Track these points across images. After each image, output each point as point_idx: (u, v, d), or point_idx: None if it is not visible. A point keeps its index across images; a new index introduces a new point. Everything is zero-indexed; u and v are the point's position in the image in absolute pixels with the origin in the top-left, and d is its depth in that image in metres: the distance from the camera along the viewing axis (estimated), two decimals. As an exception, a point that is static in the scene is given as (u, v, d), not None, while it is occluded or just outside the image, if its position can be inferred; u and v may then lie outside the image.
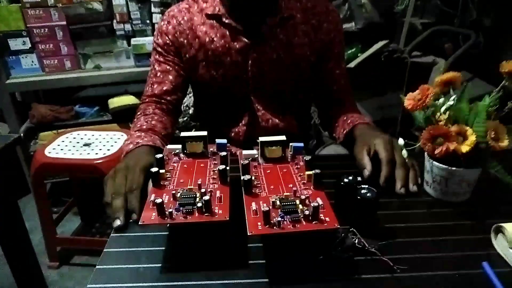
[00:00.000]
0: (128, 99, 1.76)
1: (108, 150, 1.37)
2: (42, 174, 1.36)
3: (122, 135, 1.48)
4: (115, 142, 1.43)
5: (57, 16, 1.70)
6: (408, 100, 0.60)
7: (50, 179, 1.79)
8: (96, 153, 1.35)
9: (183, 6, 0.91)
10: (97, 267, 0.50)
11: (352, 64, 1.76)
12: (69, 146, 1.41)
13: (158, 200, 0.48)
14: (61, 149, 1.38)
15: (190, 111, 1.75)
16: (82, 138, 1.47)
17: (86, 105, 1.84)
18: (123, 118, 1.76)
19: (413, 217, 0.60)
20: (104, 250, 0.53)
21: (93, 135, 1.49)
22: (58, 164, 1.32)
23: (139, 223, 0.48)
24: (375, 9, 1.99)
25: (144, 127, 0.81)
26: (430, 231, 0.57)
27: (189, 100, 1.71)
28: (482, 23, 1.98)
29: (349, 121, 0.86)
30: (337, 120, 0.91)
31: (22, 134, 1.72)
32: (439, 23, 1.98)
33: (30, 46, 1.72)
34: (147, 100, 0.91)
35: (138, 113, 0.89)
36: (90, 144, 1.42)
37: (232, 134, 0.97)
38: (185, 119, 1.70)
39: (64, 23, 1.71)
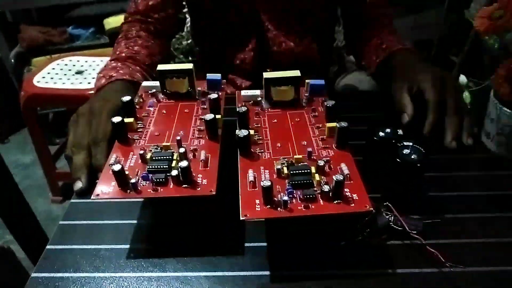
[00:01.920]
0: (125, 19, 1.56)
1: (102, 79, 1.22)
2: (32, 105, 1.24)
3: (118, 61, 1.32)
4: (110, 69, 1.27)
5: None
6: (481, 19, 0.41)
7: (43, 109, 1.68)
8: (89, 82, 1.20)
9: None
10: (47, 247, 0.38)
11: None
12: (60, 74, 1.26)
13: (117, 166, 0.34)
14: (51, 78, 1.24)
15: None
16: (74, 65, 1.31)
17: (81, 27, 1.65)
18: (121, 41, 1.58)
19: (467, 182, 0.45)
20: (60, 222, 0.41)
21: (86, 62, 1.33)
22: (48, 95, 1.19)
23: (92, 197, 0.35)
24: None
25: (123, 54, 0.65)
26: (492, 204, 0.42)
27: (193, 19, 1.49)
28: None
29: (384, 45, 0.67)
30: (368, 44, 0.72)
31: (12, 60, 1.57)
32: None
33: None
34: (130, 19, 0.73)
35: (120, 36, 0.72)
36: (83, 71, 1.27)
37: (237, 61, 0.79)
38: (189, 41, 1.50)
39: None
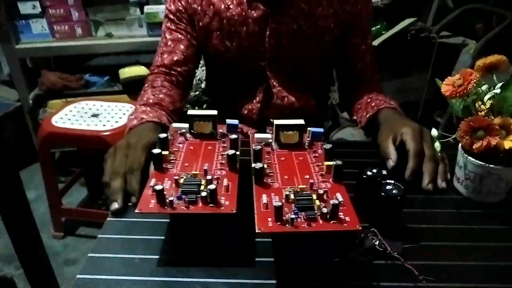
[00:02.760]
0: (140, 70, 1.70)
1: (116, 122, 1.32)
2: (48, 143, 1.33)
3: (131, 107, 1.43)
4: (124, 114, 1.38)
5: (68, -21, 1.63)
6: (446, 86, 0.53)
7: (58, 148, 1.76)
8: (104, 125, 1.30)
9: None
10: (89, 255, 0.46)
11: (376, 42, 1.65)
12: (77, 116, 1.37)
13: (158, 187, 0.43)
14: (69, 119, 1.34)
15: (203, 85, 1.68)
16: (90, 108, 1.42)
17: (97, 74, 1.79)
18: (133, 89, 1.70)
19: (440, 217, 0.54)
20: (98, 236, 0.49)
21: (101, 106, 1.44)
22: (64, 134, 1.29)
23: (136, 211, 0.43)
24: (404, -16, 1.85)
25: (151, 101, 0.76)
26: (460, 235, 0.50)
27: (201, 73, 1.64)
28: (519, 3, 1.83)
29: (373, 104, 0.79)
30: (359, 102, 0.84)
31: (30, 101, 1.68)
32: (471, 1, 1.84)
33: (40, 10, 1.66)
34: (155, 71, 0.85)
35: (146, 85, 0.83)
36: (99, 115, 1.37)
37: (245, 111, 0.91)
38: (196, 93, 1.64)
39: (75, -14, 1.64)
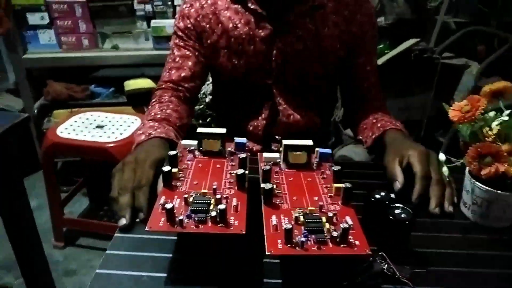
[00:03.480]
0: (145, 83, 1.71)
1: (121, 134, 1.33)
2: (52, 153, 1.33)
3: (136, 119, 1.44)
4: (128, 126, 1.39)
5: (77, -8, 1.66)
6: (454, 111, 0.54)
7: (61, 157, 1.76)
8: (109, 136, 1.31)
9: None
10: (97, 271, 0.45)
11: (379, 61, 1.67)
12: (81, 127, 1.37)
13: (169, 205, 0.43)
14: (73, 130, 1.35)
15: (207, 99, 1.69)
16: (95, 120, 1.43)
17: (102, 86, 1.81)
18: (138, 102, 1.72)
19: (447, 242, 0.54)
20: (106, 252, 0.49)
21: (106, 117, 1.45)
22: (69, 145, 1.29)
23: (146, 229, 0.43)
24: (407, 4, 1.89)
25: (158, 116, 0.76)
26: (467, 261, 0.50)
27: (206, 87, 1.65)
28: (520, 26, 1.86)
29: (379, 124, 0.79)
30: (365, 122, 0.85)
31: (36, 111, 1.69)
32: (474, 23, 1.87)
33: (48, 21, 1.68)
34: (163, 86, 0.86)
35: (153, 100, 0.84)
36: (103, 126, 1.38)
37: (251, 128, 0.91)
38: (201, 107, 1.65)
39: (84, 0, 1.66)
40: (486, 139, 0.53)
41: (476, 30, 1.77)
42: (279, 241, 0.41)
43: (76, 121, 1.41)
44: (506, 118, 0.51)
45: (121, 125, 1.40)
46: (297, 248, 0.41)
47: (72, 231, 1.57)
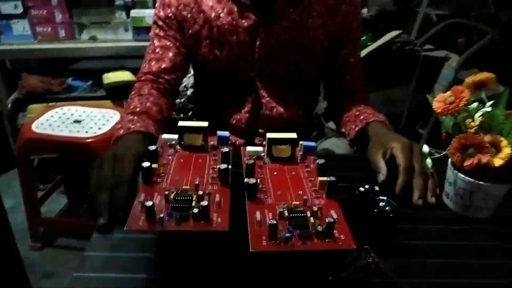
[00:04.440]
0: (124, 75, 1.66)
1: (100, 128, 1.29)
2: (28, 150, 1.28)
3: (115, 114, 1.39)
4: (107, 120, 1.35)
5: (52, -20, 1.60)
6: (438, 103, 0.53)
7: (38, 154, 1.71)
8: (87, 131, 1.27)
9: None
10: (74, 274, 0.44)
11: (361, 54, 1.67)
12: (58, 121, 1.33)
13: (148, 203, 0.41)
14: (50, 125, 1.30)
15: (188, 92, 1.66)
16: (72, 114, 1.38)
17: (80, 79, 1.75)
18: (117, 95, 1.67)
19: (431, 233, 0.54)
20: (84, 253, 0.47)
21: (84, 112, 1.40)
22: (45, 141, 1.25)
23: (125, 228, 0.41)
24: (389, -3, 1.89)
25: (138, 109, 0.74)
26: (451, 251, 0.50)
27: (187, 80, 1.62)
28: (499, 18, 1.90)
29: (362, 117, 0.79)
30: (348, 114, 0.84)
31: (9, 105, 1.63)
32: (454, 16, 1.89)
33: (22, 10, 1.61)
34: (143, 78, 0.83)
35: (133, 92, 0.81)
36: (81, 121, 1.34)
37: (234, 121, 0.90)
38: (182, 100, 1.61)
39: (60, -12, 1.60)
40: (469, 130, 0.53)
41: (457, 22, 1.79)
42: (263, 238, 0.41)
43: (52, 116, 1.36)
44: (489, 109, 0.51)
45: (99, 119, 1.36)
46: (281, 244, 0.40)
47: (50, 231, 1.52)
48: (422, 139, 1.70)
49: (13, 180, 1.70)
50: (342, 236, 0.41)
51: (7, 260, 0.95)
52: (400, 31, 1.76)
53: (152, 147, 0.51)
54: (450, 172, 0.57)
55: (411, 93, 1.79)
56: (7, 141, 1.70)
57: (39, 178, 1.69)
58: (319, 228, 0.41)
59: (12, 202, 1.61)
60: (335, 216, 0.43)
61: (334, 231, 0.41)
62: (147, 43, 0.87)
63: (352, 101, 0.86)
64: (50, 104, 1.62)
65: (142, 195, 0.45)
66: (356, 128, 0.78)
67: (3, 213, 0.86)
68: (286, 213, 0.43)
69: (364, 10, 1.83)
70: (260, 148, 0.56)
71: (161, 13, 0.82)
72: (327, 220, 0.40)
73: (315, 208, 0.44)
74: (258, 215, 0.43)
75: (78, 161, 1.52)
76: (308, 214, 0.43)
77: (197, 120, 1.03)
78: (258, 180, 0.48)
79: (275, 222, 0.40)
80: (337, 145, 1.43)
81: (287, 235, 0.40)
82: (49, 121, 1.33)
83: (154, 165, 0.49)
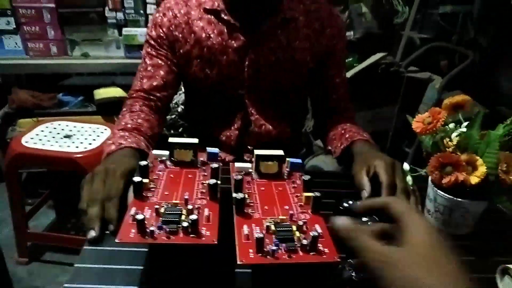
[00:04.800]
0: (115, 91, 1.68)
1: (90, 144, 1.30)
2: (17, 164, 1.28)
3: (105, 129, 1.40)
4: (98, 136, 1.35)
5: (46, -3, 1.62)
6: (417, 123, 0.56)
7: (26, 168, 1.69)
8: (77, 147, 1.27)
9: None
10: (65, 285, 0.44)
11: (348, 74, 1.72)
12: (48, 136, 1.33)
13: (139, 216, 0.43)
14: (40, 139, 1.30)
15: (179, 109, 1.69)
16: (63, 129, 1.39)
17: (71, 94, 1.76)
18: (108, 111, 1.68)
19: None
20: (75, 265, 0.47)
21: (75, 127, 1.41)
22: (35, 155, 1.25)
23: (116, 240, 0.42)
24: (375, 20, 1.96)
25: (129, 126, 0.75)
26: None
27: (178, 97, 1.65)
28: (479, 42, 1.98)
29: (347, 135, 0.82)
30: (334, 133, 0.87)
31: (-1, 119, 1.63)
32: (437, 39, 1.97)
33: (14, 26, 1.63)
34: (134, 95, 0.85)
35: (124, 109, 0.83)
36: (71, 136, 1.34)
37: (223, 138, 0.92)
38: (173, 116, 1.64)
39: (53, 5, 1.63)
40: (447, 149, 0.56)
41: (439, 46, 1.87)
42: (251, 250, 0.42)
43: (42, 131, 1.36)
44: (464, 129, 0.54)
45: (90, 134, 1.36)
46: (268, 256, 0.41)
47: (37, 246, 1.50)
48: (407, 158, 1.74)
49: (0, 193, 1.68)
50: (326, 249, 0.43)
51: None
52: (385, 53, 1.82)
53: (143, 162, 0.52)
54: (431, 189, 0.60)
55: (396, 113, 1.85)
56: (-5, 155, 1.69)
57: (27, 192, 1.67)
58: (304, 241, 0.43)
59: (-2, 216, 1.59)
60: (319, 230, 0.45)
61: (319, 245, 0.43)
62: (138, 61, 0.89)
63: (338, 119, 0.89)
64: (40, 118, 1.62)
65: (133, 209, 0.46)
66: (341, 146, 0.81)
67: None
68: (272, 227, 0.45)
69: (350, 33, 1.89)
70: (248, 164, 0.58)
71: (153, 33, 0.85)
72: (311, 234, 0.42)
73: (300, 223, 0.46)
74: (245, 228, 0.45)
75: (67, 176, 1.51)
76: (294, 228, 0.45)
77: (187, 136, 1.04)
78: (246, 195, 0.50)
79: (262, 235, 0.41)
80: (325, 162, 1.46)
81: (274, 248, 0.42)
82: (39, 135, 1.33)
83: (145, 180, 0.50)
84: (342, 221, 0.40)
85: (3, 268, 0.97)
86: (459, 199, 0.55)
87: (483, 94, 1.70)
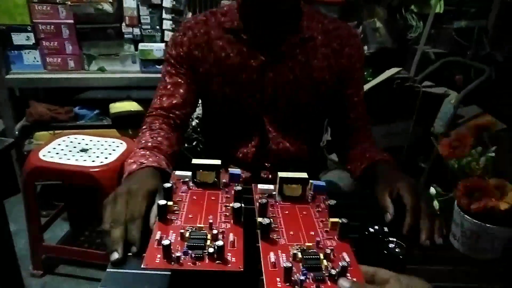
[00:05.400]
0: (130, 105, 1.70)
1: (106, 158, 1.31)
2: (34, 177, 1.29)
3: (121, 143, 1.42)
4: (114, 150, 1.36)
5: (64, 14, 1.65)
6: (443, 147, 0.55)
7: (43, 181, 1.71)
8: (93, 161, 1.28)
9: (200, 18, 0.86)
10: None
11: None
12: (65, 150, 1.34)
13: (166, 242, 0.42)
14: (57, 153, 1.32)
15: (193, 123, 1.69)
16: (79, 143, 1.40)
17: (86, 108, 1.78)
18: (123, 124, 1.70)
19: (439, 275, 0.55)
20: (98, 287, 0.47)
21: (91, 141, 1.42)
22: (52, 169, 1.26)
23: (142, 266, 0.42)
24: (389, 35, 1.96)
25: (150, 144, 0.76)
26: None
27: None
28: (494, 57, 1.96)
29: (367, 155, 0.81)
30: (354, 152, 0.86)
31: (17, 132, 1.65)
32: (451, 54, 1.96)
33: (34, 42, 1.66)
34: (154, 113, 0.85)
35: (144, 127, 0.83)
36: (87, 150, 1.35)
37: (240, 155, 0.91)
38: (187, 130, 1.64)
39: (71, 21, 1.66)
40: (474, 173, 0.55)
41: (454, 60, 1.85)
42: (278, 279, 0.41)
43: (59, 144, 1.38)
44: (493, 154, 0.53)
45: (106, 148, 1.37)
46: (296, 286, 0.41)
47: (51, 258, 1.50)
48: (423, 173, 1.71)
49: (15, 206, 1.69)
50: (354, 278, 0.42)
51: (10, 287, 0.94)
52: (400, 68, 1.81)
53: (167, 185, 0.52)
54: (457, 214, 0.58)
55: (411, 128, 1.83)
56: (12, 166, 1.71)
57: (41, 204, 1.68)
58: (333, 271, 0.42)
59: (14, 227, 1.60)
60: (347, 259, 0.44)
61: (347, 274, 0.42)
62: (154, 75, 0.90)
63: (356, 139, 0.89)
64: (57, 131, 1.64)
65: (158, 233, 0.46)
66: (362, 166, 0.80)
67: (8, 239, 0.86)
68: (299, 255, 0.44)
69: (364, 48, 1.89)
70: (271, 186, 0.57)
71: (173, 52, 0.86)
72: (340, 264, 0.41)
73: (327, 250, 0.45)
74: (272, 256, 0.44)
75: (81, 188, 1.52)
76: (321, 256, 0.44)
77: (203, 150, 1.05)
78: (271, 220, 0.49)
79: (290, 265, 0.41)
80: (340, 177, 1.45)
81: (302, 277, 0.41)
82: (56, 149, 1.34)
83: (169, 203, 0.50)
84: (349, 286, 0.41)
85: (19, 281, 0.97)
86: (488, 225, 0.54)
87: (500, 109, 1.68)
